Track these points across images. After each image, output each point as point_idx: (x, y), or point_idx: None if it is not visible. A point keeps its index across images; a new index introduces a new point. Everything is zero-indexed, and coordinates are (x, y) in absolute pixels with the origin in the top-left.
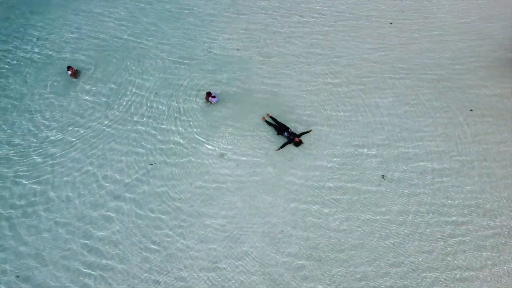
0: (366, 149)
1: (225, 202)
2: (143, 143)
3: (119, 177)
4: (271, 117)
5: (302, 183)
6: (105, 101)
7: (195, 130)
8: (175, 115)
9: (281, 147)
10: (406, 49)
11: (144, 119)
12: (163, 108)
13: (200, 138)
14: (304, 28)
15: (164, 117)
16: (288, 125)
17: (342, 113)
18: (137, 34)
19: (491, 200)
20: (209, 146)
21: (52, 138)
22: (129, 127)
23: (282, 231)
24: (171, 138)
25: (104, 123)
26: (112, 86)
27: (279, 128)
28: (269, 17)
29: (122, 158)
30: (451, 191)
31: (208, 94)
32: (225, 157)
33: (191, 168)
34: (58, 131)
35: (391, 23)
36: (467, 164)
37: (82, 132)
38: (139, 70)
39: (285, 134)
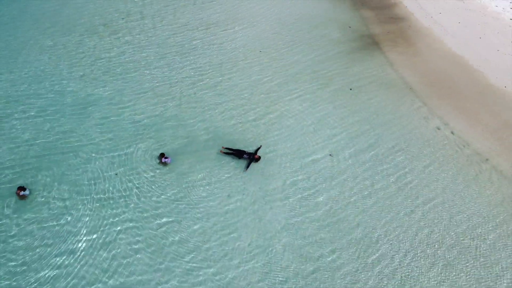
0: (309, 150)
1: (240, 234)
2: (134, 238)
3: (138, 278)
4: (227, 148)
5: (285, 189)
6: (66, 218)
7: (171, 197)
8: (142, 194)
9: (247, 167)
10: (283, 67)
11: (112, 211)
12: (127, 194)
13: (180, 201)
14: (203, 83)
15: (133, 203)
16: (242, 149)
17: (274, 132)
18: (57, 144)
19: (396, 139)
20: (191, 201)
21: (32, 279)
22: (109, 234)
23: (293, 224)
24: (154, 217)
25: (78, 244)
26: (65, 199)
27: (238, 153)
28: (169, 85)
29: (123, 260)
30: (379, 154)
31: (161, 155)
32: (212, 200)
33: (192, 232)
34: (36, 269)
35: (260, 51)
36: (366, 123)
37: (64, 258)
38: (81, 176)
39: (245, 156)
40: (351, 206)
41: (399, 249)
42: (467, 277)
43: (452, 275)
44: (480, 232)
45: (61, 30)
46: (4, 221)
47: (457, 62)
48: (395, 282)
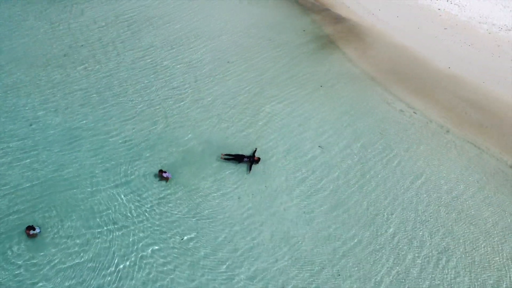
0: (302, 147)
1: (262, 233)
2: (162, 260)
3: None
4: (226, 154)
5: (289, 184)
6: (86, 252)
7: (185, 212)
8: (156, 216)
9: (250, 169)
10: (255, 75)
11: (131, 238)
12: (141, 218)
13: (195, 214)
14: (185, 101)
15: (150, 226)
16: (241, 153)
17: (265, 136)
18: (55, 181)
19: (373, 126)
20: (206, 211)
21: None
22: (135, 261)
23: (308, 215)
24: (176, 235)
25: (106, 278)
26: (79, 234)
27: (237, 158)
28: (151, 108)
29: (158, 284)
30: (364, 143)
31: (160, 171)
32: (225, 206)
33: (217, 242)
34: None
35: (228, 62)
36: (345, 116)
37: None
38: (89, 208)
39: (245, 159)
40: (356, 192)
41: (407, 222)
42: (464, 238)
43: (452, 238)
44: (467, 195)
45: (21, 65)
46: (20, 264)
47: (404, 51)
48: (412, 249)
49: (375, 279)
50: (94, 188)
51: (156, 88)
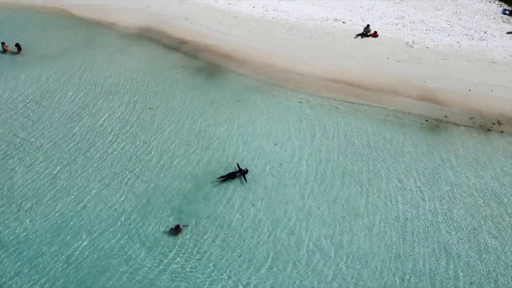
0: (265, 149)
1: (292, 223)
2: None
3: None
4: (221, 176)
5: (279, 178)
6: None
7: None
8: (222, 275)
9: (246, 180)
10: (181, 112)
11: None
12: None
13: (241, 241)
14: (145, 162)
15: (222, 275)
16: (231, 171)
17: (232, 153)
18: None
19: (300, 117)
20: (242, 231)
21: None
22: None
23: (312, 192)
24: (248, 268)
25: None
26: None
27: (231, 176)
28: (123, 180)
29: None
30: (303, 130)
31: (177, 227)
32: (250, 217)
33: (283, 249)
34: None
35: (149, 108)
36: (272, 117)
37: None
38: None
39: (238, 174)
40: (336, 164)
41: (366, 164)
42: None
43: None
44: (377, 136)
45: None
46: None
47: (272, 56)
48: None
49: (381, 210)
50: (142, 273)
51: (111, 163)
